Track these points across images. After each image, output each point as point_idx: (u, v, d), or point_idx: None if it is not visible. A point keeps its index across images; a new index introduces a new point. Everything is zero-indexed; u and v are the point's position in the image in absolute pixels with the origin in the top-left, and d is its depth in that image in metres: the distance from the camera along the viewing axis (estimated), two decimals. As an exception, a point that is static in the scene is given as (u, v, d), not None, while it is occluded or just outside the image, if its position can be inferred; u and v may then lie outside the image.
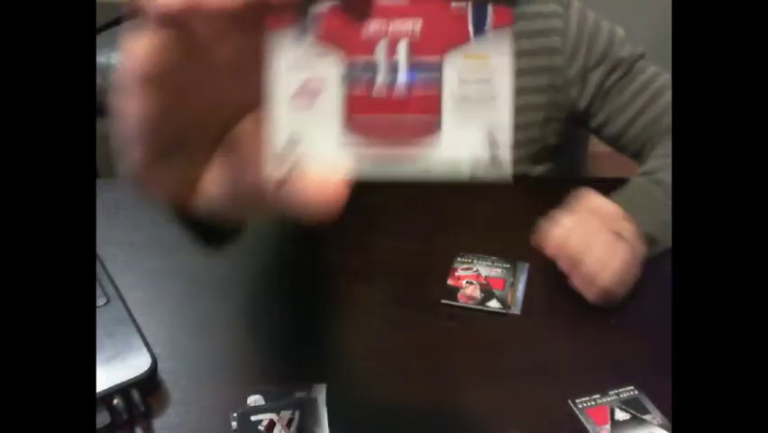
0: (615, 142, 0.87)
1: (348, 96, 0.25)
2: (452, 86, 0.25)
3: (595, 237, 0.63)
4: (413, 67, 0.25)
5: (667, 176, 0.73)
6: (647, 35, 0.88)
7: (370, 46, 0.25)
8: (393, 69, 0.25)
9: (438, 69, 0.25)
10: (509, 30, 0.25)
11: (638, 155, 0.85)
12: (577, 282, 0.63)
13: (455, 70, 0.25)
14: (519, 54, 0.83)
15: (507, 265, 0.69)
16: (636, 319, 0.63)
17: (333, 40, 0.24)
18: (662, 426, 0.51)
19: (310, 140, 0.25)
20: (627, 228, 0.64)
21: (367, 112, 0.25)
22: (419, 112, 0.25)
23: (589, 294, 0.62)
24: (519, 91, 1.00)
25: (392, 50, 0.25)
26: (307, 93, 0.25)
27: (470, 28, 0.25)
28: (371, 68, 0.25)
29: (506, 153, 0.25)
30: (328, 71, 0.25)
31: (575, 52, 0.83)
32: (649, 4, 1.76)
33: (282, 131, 0.24)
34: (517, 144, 1.02)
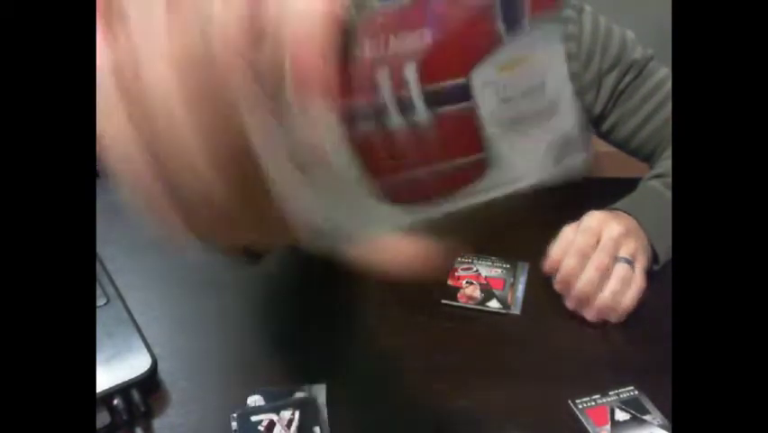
0: (625, 145, 0.87)
1: (358, 157, 0.18)
2: (493, 109, 0.18)
3: (591, 259, 0.62)
4: (432, 99, 0.17)
5: None
6: (647, 36, 0.88)
7: (367, 80, 0.17)
8: (406, 107, 0.17)
9: (466, 92, 0.18)
10: (557, 11, 0.18)
11: (649, 158, 0.85)
12: (569, 303, 0.63)
13: (491, 89, 0.18)
14: None
15: (507, 265, 0.69)
16: (636, 319, 0.63)
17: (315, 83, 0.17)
18: (662, 426, 0.51)
19: (340, 216, 0.18)
20: (630, 247, 0.63)
21: (386, 173, 0.18)
22: (458, 155, 0.18)
23: (585, 315, 0.62)
24: None
25: (398, 80, 0.17)
26: (309, 159, 0.17)
27: (501, 25, 0.17)
28: (376, 112, 0.17)
29: (579, 154, 0.19)
30: (324, 129, 0.17)
31: (590, 58, 0.83)
32: (649, 4, 1.76)
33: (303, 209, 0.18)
34: None
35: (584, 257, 0.63)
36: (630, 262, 0.62)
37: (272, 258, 0.55)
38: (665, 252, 0.67)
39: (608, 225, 0.64)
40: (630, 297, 0.62)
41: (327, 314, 0.63)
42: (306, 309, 0.63)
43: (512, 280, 0.67)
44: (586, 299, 0.62)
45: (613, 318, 0.62)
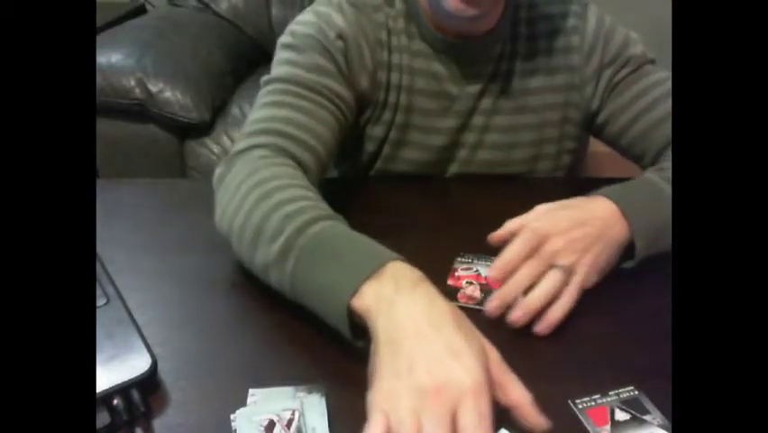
0: (616, 142, 0.87)
1: None
2: None
3: (525, 264, 0.61)
4: None
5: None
6: (646, 36, 0.88)
7: None
8: None
9: None
10: None
11: (639, 160, 0.85)
12: (491, 303, 0.61)
13: None
14: (537, 54, 0.83)
15: (507, 265, 0.68)
16: (636, 319, 0.63)
17: None
18: (662, 426, 0.51)
19: None
20: (569, 259, 0.61)
21: None
22: None
23: (509, 316, 0.60)
24: (537, 90, 1.01)
25: None
26: None
27: None
28: None
29: None
30: None
31: (592, 50, 0.84)
32: (649, 5, 1.76)
33: None
34: (534, 144, 1.02)
35: (526, 257, 0.61)
36: (565, 271, 0.61)
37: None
38: (647, 242, 0.66)
39: (551, 240, 0.62)
40: (559, 307, 0.60)
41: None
42: (306, 309, 0.63)
43: (512, 280, 0.67)
44: (511, 299, 0.60)
45: (539, 328, 0.60)
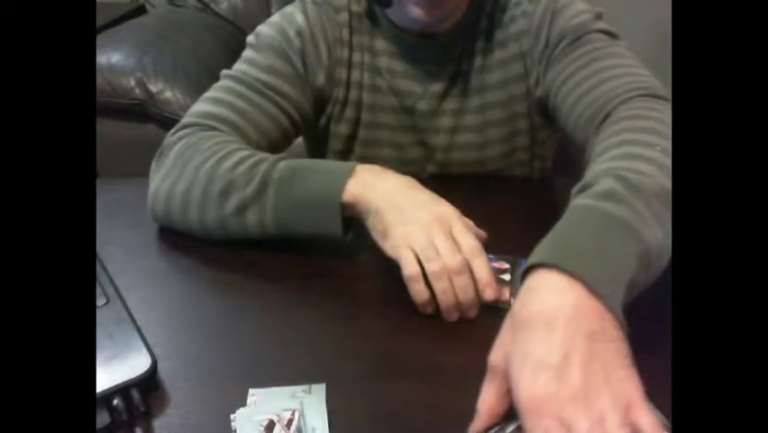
0: (564, 129, 0.77)
1: None
2: None
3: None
4: None
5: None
6: (646, 36, 0.88)
7: None
8: None
9: None
10: None
11: (584, 151, 0.71)
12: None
13: None
14: (493, 47, 0.82)
15: (507, 265, 0.68)
16: (636, 320, 0.63)
17: None
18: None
19: None
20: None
21: None
22: None
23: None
24: (497, 84, 1.02)
25: None
26: None
27: None
28: None
29: None
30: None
31: (539, 31, 0.80)
32: (649, 5, 1.76)
33: None
34: (506, 139, 1.00)
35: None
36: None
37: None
38: (627, 287, 0.52)
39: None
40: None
41: (327, 314, 0.63)
42: (306, 309, 0.63)
43: (512, 278, 0.67)
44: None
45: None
